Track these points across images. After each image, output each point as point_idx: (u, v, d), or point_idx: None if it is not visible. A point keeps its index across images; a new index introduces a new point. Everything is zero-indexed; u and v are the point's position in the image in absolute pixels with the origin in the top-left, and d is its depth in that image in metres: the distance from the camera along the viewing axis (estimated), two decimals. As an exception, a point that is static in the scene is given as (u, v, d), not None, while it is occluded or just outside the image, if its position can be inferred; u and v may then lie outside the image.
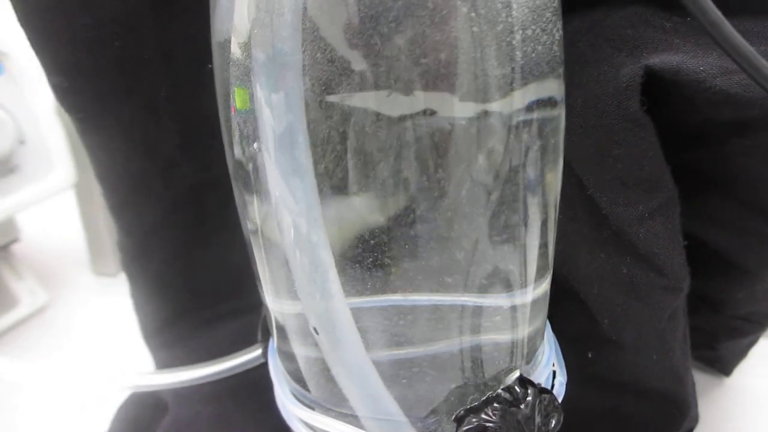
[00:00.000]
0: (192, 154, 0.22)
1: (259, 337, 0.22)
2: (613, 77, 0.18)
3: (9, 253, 0.40)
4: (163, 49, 0.20)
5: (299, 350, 0.19)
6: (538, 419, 0.17)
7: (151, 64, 0.20)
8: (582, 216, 0.19)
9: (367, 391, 0.18)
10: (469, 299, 0.16)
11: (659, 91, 0.17)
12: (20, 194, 0.36)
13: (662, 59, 0.17)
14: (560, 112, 0.15)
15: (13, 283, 0.40)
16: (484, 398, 0.17)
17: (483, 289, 0.16)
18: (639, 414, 0.22)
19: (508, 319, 0.17)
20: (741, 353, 0.28)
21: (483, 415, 0.16)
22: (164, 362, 0.28)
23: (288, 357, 0.19)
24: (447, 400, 0.17)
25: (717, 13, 0.13)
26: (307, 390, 0.19)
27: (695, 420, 0.23)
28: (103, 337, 0.37)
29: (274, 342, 0.20)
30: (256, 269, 0.18)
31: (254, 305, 0.27)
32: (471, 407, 0.17)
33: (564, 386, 0.18)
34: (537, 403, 0.17)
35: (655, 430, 0.23)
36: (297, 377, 0.19)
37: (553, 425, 0.17)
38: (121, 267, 0.26)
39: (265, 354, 0.21)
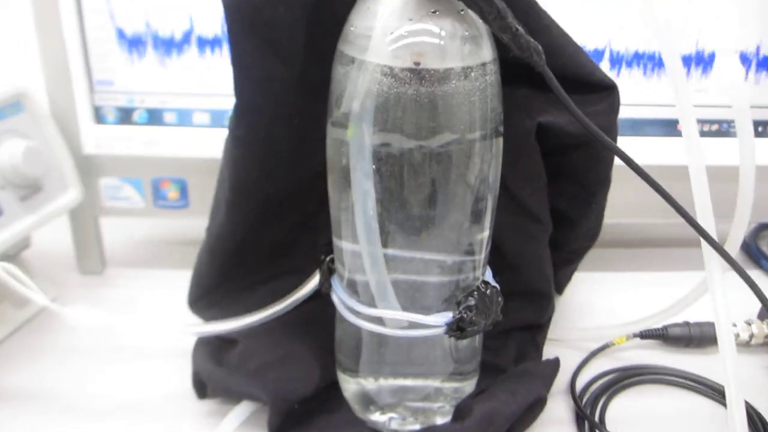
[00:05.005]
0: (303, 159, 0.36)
1: (320, 282, 0.36)
2: (521, 125, 0.34)
3: (21, 257, 0.48)
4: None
5: (359, 277, 0.33)
6: (494, 298, 0.34)
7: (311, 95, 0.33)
8: (501, 198, 0.35)
9: (388, 295, 0.33)
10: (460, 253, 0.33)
11: (538, 132, 0.35)
12: (45, 210, 0.45)
13: (545, 118, 0.34)
14: (501, 140, 0.32)
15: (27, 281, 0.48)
16: (469, 292, 0.33)
17: (478, 246, 0.33)
18: (523, 309, 0.40)
19: (482, 258, 0.33)
20: (568, 278, 0.48)
21: (470, 299, 0.33)
22: (214, 319, 0.40)
23: (350, 281, 0.34)
24: (452, 295, 0.33)
25: (563, 94, 0.30)
26: (356, 293, 0.34)
27: (553, 310, 0.42)
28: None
29: (341, 277, 0.34)
30: (340, 228, 0.33)
31: (284, 272, 0.41)
32: (464, 296, 0.33)
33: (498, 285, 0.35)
34: (493, 291, 0.34)
35: (534, 317, 0.41)
36: (353, 288, 0.34)
37: (500, 302, 0.34)
38: (211, 247, 0.38)
39: (327, 291, 0.35)
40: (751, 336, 0.44)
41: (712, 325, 0.44)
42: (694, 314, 0.43)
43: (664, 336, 0.44)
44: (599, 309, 0.48)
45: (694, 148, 0.31)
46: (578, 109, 0.29)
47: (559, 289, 0.48)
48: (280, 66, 0.33)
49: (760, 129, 0.50)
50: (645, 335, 0.45)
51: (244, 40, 0.32)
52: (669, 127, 0.49)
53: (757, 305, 0.46)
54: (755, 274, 0.56)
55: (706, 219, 0.32)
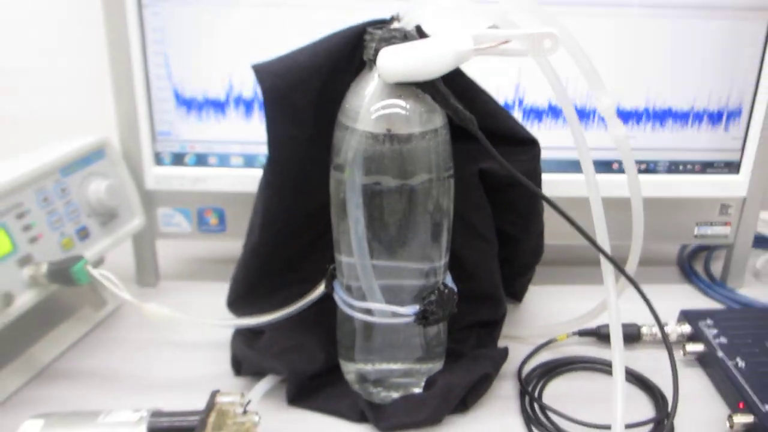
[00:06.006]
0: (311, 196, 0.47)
1: (326, 285, 0.48)
2: (468, 169, 0.47)
3: (97, 271, 0.61)
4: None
5: (353, 282, 0.46)
6: (451, 296, 0.46)
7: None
8: (458, 224, 0.47)
9: (375, 292, 0.45)
10: (427, 262, 0.45)
11: (481, 175, 0.48)
12: (119, 233, 0.58)
13: (485, 165, 0.47)
14: (452, 180, 0.44)
15: (102, 291, 0.61)
16: (431, 290, 0.45)
17: (438, 256, 0.45)
18: (480, 309, 0.52)
19: (441, 265, 0.46)
20: (524, 287, 0.60)
21: (432, 295, 0.45)
22: (247, 316, 0.53)
23: (347, 285, 0.46)
24: (420, 294, 0.45)
25: (491, 148, 0.42)
26: (351, 292, 0.46)
27: (505, 310, 0.54)
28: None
29: (341, 281, 0.47)
30: (340, 245, 0.45)
31: (299, 280, 0.53)
32: (428, 293, 0.45)
33: (456, 288, 0.47)
34: (450, 291, 0.46)
35: (489, 315, 0.53)
36: (349, 289, 0.46)
37: (455, 299, 0.46)
38: (246, 260, 0.51)
39: (330, 290, 0.48)
40: (667, 335, 0.56)
41: (633, 325, 0.56)
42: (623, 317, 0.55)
43: (597, 334, 0.56)
44: (548, 313, 0.60)
45: (592, 184, 0.43)
46: (504, 159, 0.41)
47: (519, 297, 0.61)
48: (298, 131, 0.46)
49: (647, 167, 0.62)
50: (582, 333, 0.56)
51: (274, 115, 0.45)
52: (605, 166, 0.61)
53: (676, 310, 0.58)
54: (688, 288, 0.68)
55: (602, 240, 0.44)
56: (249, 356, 0.51)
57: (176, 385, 0.52)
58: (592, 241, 0.43)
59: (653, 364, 0.53)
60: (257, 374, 0.51)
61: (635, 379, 0.52)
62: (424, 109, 0.42)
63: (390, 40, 0.38)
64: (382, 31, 0.39)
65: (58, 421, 0.40)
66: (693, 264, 0.70)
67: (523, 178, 0.42)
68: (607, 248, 0.43)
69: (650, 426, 0.47)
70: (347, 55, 0.43)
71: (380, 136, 0.41)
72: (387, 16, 0.42)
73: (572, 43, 0.40)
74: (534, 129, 0.60)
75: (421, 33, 0.41)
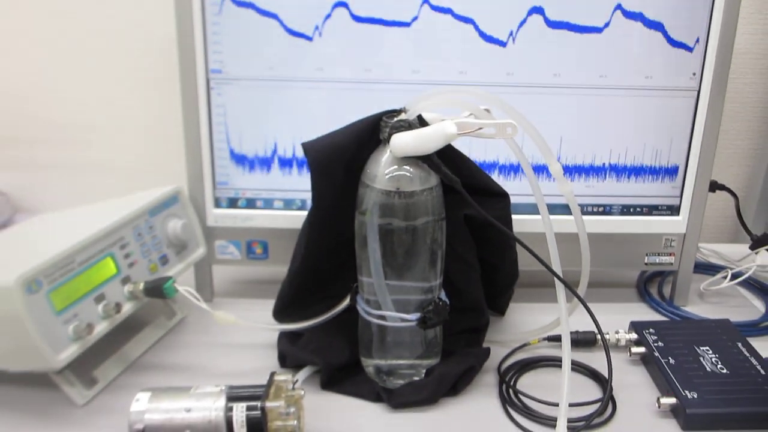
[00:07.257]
0: (342, 231, 0.64)
1: (351, 299, 0.65)
2: (456, 214, 0.63)
3: (168, 290, 0.78)
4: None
5: (372, 296, 0.62)
6: (444, 307, 0.62)
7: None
8: (450, 254, 0.63)
9: (388, 303, 0.62)
10: (427, 281, 0.61)
11: (466, 218, 0.64)
12: (188, 260, 0.75)
13: (468, 211, 0.63)
14: (444, 222, 0.61)
15: (172, 304, 0.78)
16: (429, 302, 0.61)
17: (434, 277, 0.61)
18: (467, 319, 0.68)
19: (437, 284, 0.62)
20: (506, 304, 0.75)
21: (430, 306, 0.61)
22: (289, 322, 0.69)
23: (367, 299, 0.62)
24: (421, 305, 0.61)
25: (471, 200, 0.58)
26: (370, 304, 0.62)
27: (488, 322, 0.70)
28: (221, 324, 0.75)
29: (362, 296, 0.63)
30: (361, 269, 0.62)
31: (330, 295, 0.69)
32: (427, 304, 0.61)
33: (448, 300, 0.63)
34: (444, 303, 0.62)
35: (475, 323, 0.69)
36: (368, 302, 0.62)
37: (448, 309, 0.62)
38: (291, 280, 0.67)
39: (354, 302, 0.64)
40: (618, 340, 0.71)
41: (591, 332, 0.72)
42: (582, 326, 0.71)
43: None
44: (524, 323, 0.76)
45: (547, 222, 0.59)
46: (481, 207, 0.57)
47: (502, 312, 0.77)
48: (333, 188, 0.63)
49: (604, 209, 0.78)
50: (551, 339, 0.72)
51: (317, 177, 0.62)
52: (564, 209, 0.77)
53: (626, 321, 0.74)
54: (643, 305, 0.83)
55: (555, 265, 0.59)
56: (292, 352, 0.67)
57: (236, 373, 0.68)
58: (547, 266, 0.59)
59: (605, 362, 0.68)
60: (298, 366, 0.67)
61: (589, 372, 0.68)
62: (423, 173, 0.58)
63: (399, 128, 0.55)
64: (393, 121, 0.56)
65: (161, 393, 0.56)
66: (648, 286, 0.86)
67: (495, 222, 0.58)
68: (559, 272, 0.59)
69: (597, 405, 0.63)
70: (368, 136, 0.60)
71: (392, 192, 0.57)
72: (397, 106, 0.59)
73: (529, 128, 0.56)
74: (514, 181, 0.77)
75: (421, 120, 0.58)
